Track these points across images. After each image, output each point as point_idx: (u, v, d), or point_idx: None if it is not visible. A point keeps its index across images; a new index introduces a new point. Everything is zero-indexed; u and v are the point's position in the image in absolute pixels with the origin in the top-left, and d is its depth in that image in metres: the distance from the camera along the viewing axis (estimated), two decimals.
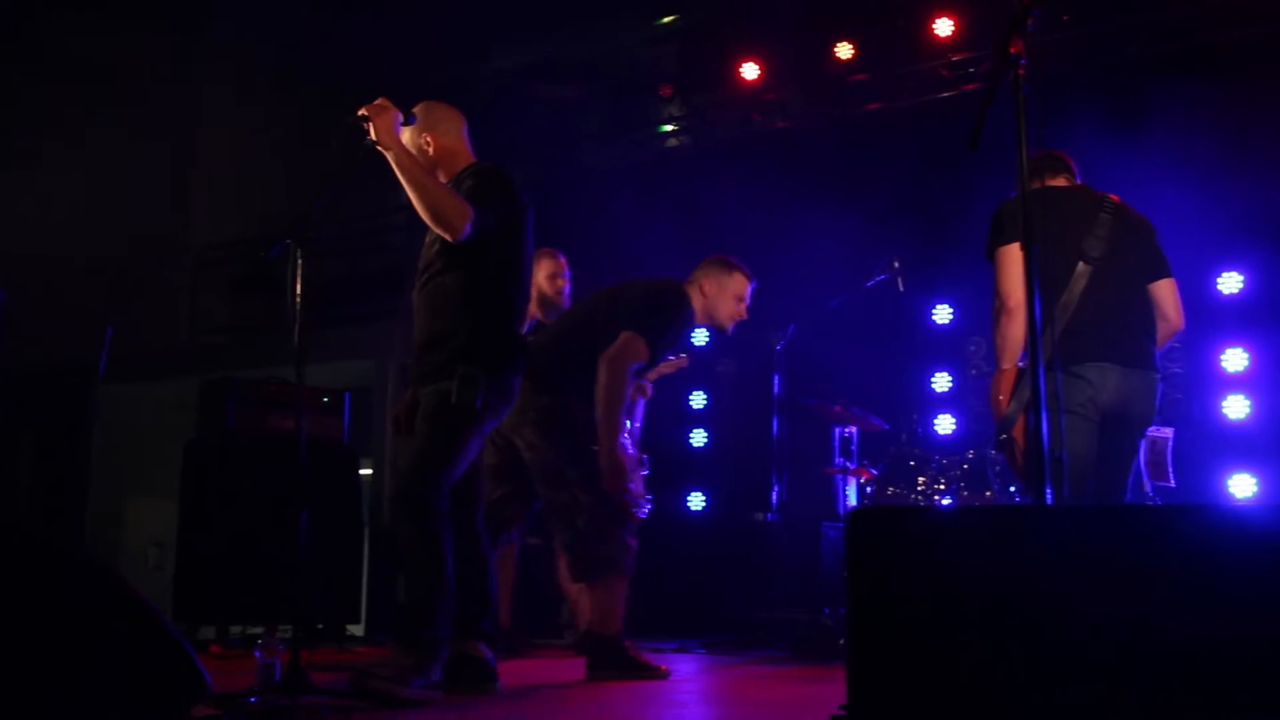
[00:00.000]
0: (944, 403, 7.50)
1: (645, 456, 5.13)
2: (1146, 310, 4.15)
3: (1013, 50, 2.89)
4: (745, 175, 8.34)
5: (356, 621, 6.39)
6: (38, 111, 10.15)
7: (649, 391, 5.65)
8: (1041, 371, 3.02)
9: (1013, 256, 3.98)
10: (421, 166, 3.78)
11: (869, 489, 6.48)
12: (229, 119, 11.34)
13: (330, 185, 3.63)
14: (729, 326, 5.13)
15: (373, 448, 9.85)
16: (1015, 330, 3.99)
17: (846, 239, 7.85)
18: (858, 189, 8.15)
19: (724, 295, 5.04)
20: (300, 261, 3.56)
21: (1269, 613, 1.77)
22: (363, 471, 9.99)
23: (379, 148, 3.70)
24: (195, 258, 11.46)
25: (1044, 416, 2.74)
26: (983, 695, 1.81)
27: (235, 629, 5.94)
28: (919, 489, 6.17)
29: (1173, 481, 5.56)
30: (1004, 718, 1.77)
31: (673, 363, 5.99)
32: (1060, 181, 4.30)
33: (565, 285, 5.89)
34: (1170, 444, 5.65)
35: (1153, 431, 4.32)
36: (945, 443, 7.14)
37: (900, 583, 1.80)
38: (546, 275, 5.84)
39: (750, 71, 8.43)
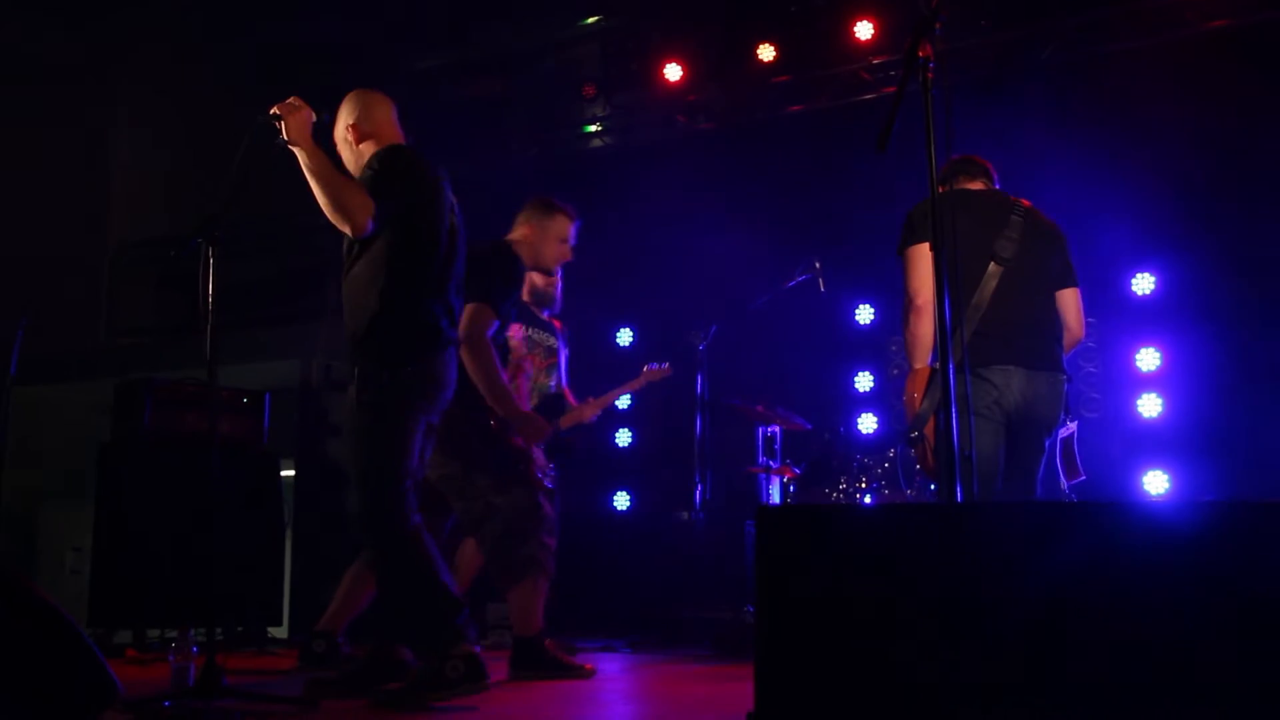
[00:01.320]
0: (866, 402, 7.58)
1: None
2: (1053, 314, 4.23)
3: (921, 54, 2.93)
4: (669, 176, 8.35)
5: (279, 624, 6.31)
6: None
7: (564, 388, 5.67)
8: (952, 372, 3.07)
9: (921, 256, 4.04)
10: (328, 164, 3.75)
11: (792, 488, 6.54)
12: (145, 115, 11.16)
13: (241, 184, 3.61)
14: (555, 269, 5.23)
15: (297, 448, 9.75)
16: (924, 328, 4.05)
17: (769, 240, 7.90)
18: (780, 190, 8.22)
19: (547, 238, 5.09)
20: (211, 261, 3.52)
21: (1177, 605, 1.81)
22: (286, 473, 9.90)
23: (290, 146, 3.69)
24: (112, 257, 11.26)
25: (954, 416, 2.78)
26: (890, 696, 1.83)
27: (153, 633, 5.86)
28: (841, 487, 6.23)
29: (1083, 474, 5.67)
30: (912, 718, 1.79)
31: (657, 371, 6.05)
32: (976, 185, 4.37)
33: (555, 280, 5.83)
34: (1075, 437, 5.76)
35: (1064, 430, 4.40)
36: (867, 442, 7.22)
37: (808, 583, 1.82)
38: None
39: (673, 72, 8.43)
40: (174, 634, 5.95)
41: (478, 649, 3.66)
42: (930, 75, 2.95)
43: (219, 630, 6.21)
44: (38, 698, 2.44)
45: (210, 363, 3.67)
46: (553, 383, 5.87)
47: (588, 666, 4.79)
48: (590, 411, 5.97)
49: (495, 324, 4.68)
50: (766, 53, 8.14)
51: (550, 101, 9.13)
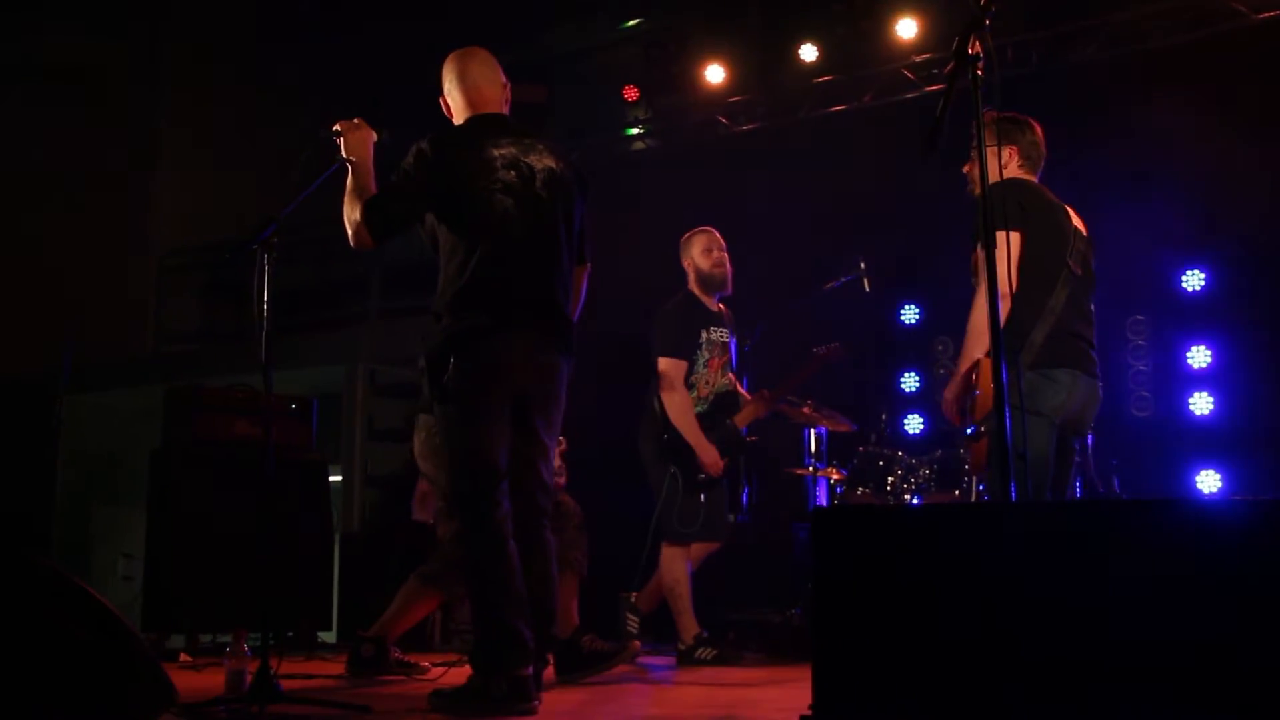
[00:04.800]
0: (912, 402, 7.54)
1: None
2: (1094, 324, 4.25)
3: (971, 50, 2.91)
4: (711, 177, 8.37)
5: (328, 628, 6.35)
6: None
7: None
8: (1006, 369, 3.04)
9: (1003, 244, 4.01)
10: (363, 189, 3.72)
11: (839, 489, 6.50)
12: (191, 120, 11.26)
13: (299, 197, 3.66)
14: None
15: (343, 454, 9.81)
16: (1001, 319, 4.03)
17: (813, 240, 7.88)
18: (823, 190, 8.18)
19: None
20: (267, 269, 3.56)
21: (1225, 604, 1.79)
22: (333, 478, 9.97)
23: (348, 163, 3.72)
24: (160, 264, 11.37)
25: (1008, 415, 2.75)
26: (950, 696, 1.82)
27: (205, 638, 5.91)
28: (888, 489, 6.19)
29: (1102, 487, 5.67)
30: (971, 718, 1.77)
31: (827, 351, 6.06)
32: (1034, 179, 4.33)
33: (723, 256, 5.93)
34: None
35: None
36: (914, 442, 7.18)
37: (865, 582, 1.81)
38: (701, 250, 5.90)
39: (715, 75, 8.44)
40: (227, 639, 6.03)
41: (529, 670, 3.58)
42: (980, 72, 2.92)
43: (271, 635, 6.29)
44: (95, 702, 2.47)
45: (265, 368, 3.70)
46: (726, 380, 5.90)
47: (634, 644, 4.80)
48: (765, 407, 5.92)
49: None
50: (809, 53, 8.13)
51: (592, 105, 9.15)
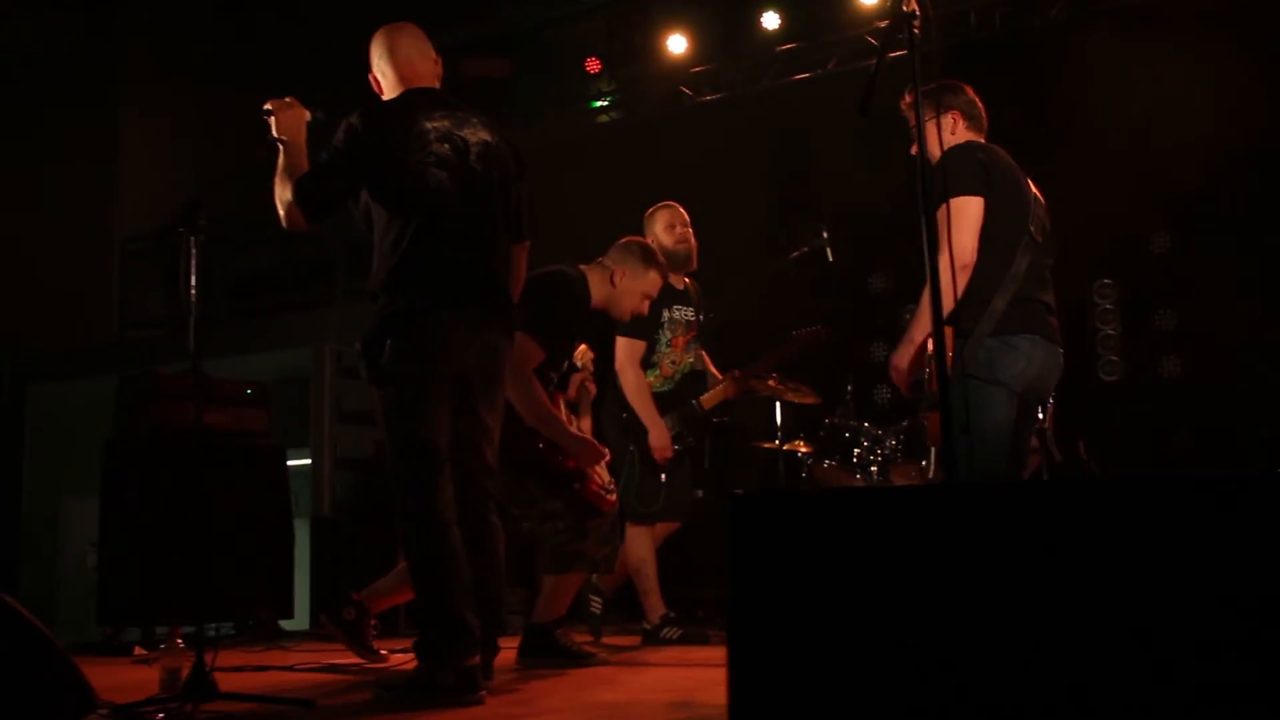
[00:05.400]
0: (881, 372, 7.44)
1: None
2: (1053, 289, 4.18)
3: (907, 8, 2.83)
4: (676, 148, 8.27)
5: (290, 616, 6.25)
6: None
7: (592, 391, 5.47)
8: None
9: (969, 210, 3.93)
10: (294, 169, 3.58)
11: (807, 462, 6.43)
12: (156, 104, 11.09)
13: (231, 176, 3.55)
14: (627, 318, 5.03)
15: (312, 437, 9.70)
16: (960, 288, 3.94)
17: (780, 210, 7.80)
18: (788, 159, 8.11)
19: (634, 291, 4.91)
20: (195, 251, 3.47)
21: (1189, 593, 1.70)
22: (302, 462, 9.85)
23: (279, 142, 3.61)
24: (121, 250, 11.21)
25: (949, 389, 2.67)
26: (877, 699, 1.73)
27: (162, 630, 5.81)
28: (854, 460, 6.11)
29: (1059, 455, 5.60)
30: (893, 718, 1.69)
31: (808, 334, 5.91)
32: (981, 139, 4.26)
33: (686, 232, 5.77)
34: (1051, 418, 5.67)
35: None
36: (881, 413, 7.10)
37: (785, 575, 1.71)
38: (664, 226, 5.75)
39: (677, 45, 8.34)
40: (188, 631, 5.93)
41: (476, 660, 3.48)
42: (917, 29, 2.84)
43: (227, 627, 6.19)
44: (9, 709, 2.38)
45: (195, 355, 3.62)
46: (692, 358, 5.79)
47: (594, 653, 4.73)
48: (735, 389, 5.80)
49: (542, 362, 4.51)
50: (771, 20, 8.03)
51: (555, 78, 9.05)
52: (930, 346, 4.05)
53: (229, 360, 9.79)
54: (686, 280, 5.92)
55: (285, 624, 6.39)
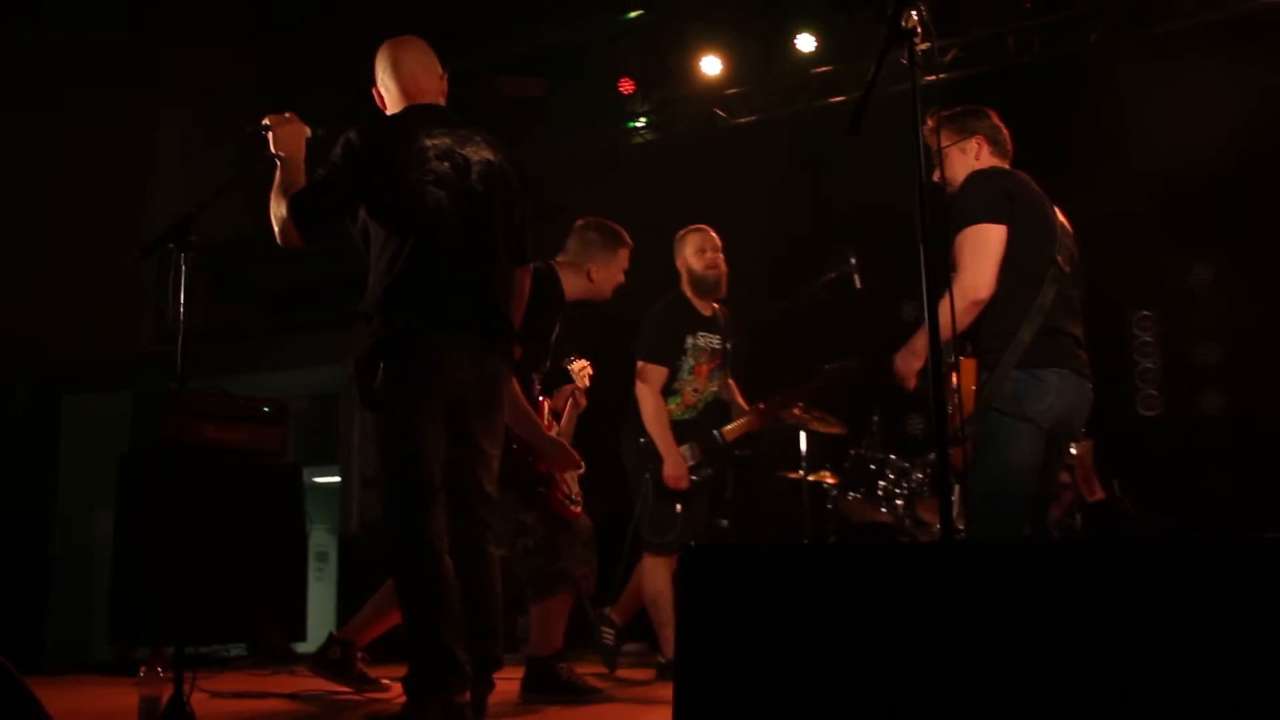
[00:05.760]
0: (909, 402, 7.28)
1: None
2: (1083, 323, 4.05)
3: (906, 24, 2.74)
4: (709, 170, 8.16)
5: (302, 639, 6.18)
6: None
7: (581, 403, 5.35)
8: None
9: (989, 239, 3.81)
10: (289, 185, 3.52)
11: (832, 494, 6.29)
12: (192, 116, 11.14)
13: (219, 193, 3.50)
14: (609, 295, 4.96)
15: (340, 455, 9.67)
16: (968, 321, 3.83)
17: (813, 235, 7.66)
18: (821, 183, 7.99)
19: (612, 278, 4.85)
20: (184, 268, 3.41)
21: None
22: (331, 479, 9.82)
23: (277, 159, 3.54)
24: (158, 264, 11.23)
25: (944, 426, 2.55)
26: None
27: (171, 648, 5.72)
28: (880, 493, 5.96)
29: (1104, 493, 5.40)
30: None
31: (838, 370, 5.76)
32: (1006, 165, 4.14)
33: (717, 257, 5.67)
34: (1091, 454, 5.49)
35: (1077, 447, 4.14)
36: (910, 444, 6.94)
37: (731, 628, 1.60)
38: (694, 250, 5.65)
39: (711, 66, 8.25)
40: (206, 650, 5.87)
41: (466, 696, 3.37)
42: (919, 46, 2.73)
43: (239, 648, 6.12)
44: None
45: (180, 375, 3.54)
46: (716, 387, 5.69)
47: (601, 688, 4.60)
48: (759, 422, 5.68)
49: (521, 363, 4.38)
50: (806, 43, 7.92)
51: (591, 99, 8.99)
52: (955, 379, 3.93)
53: (260, 376, 9.81)
54: (715, 306, 5.81)
55: (304, 646, 6.32)
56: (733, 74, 8.28)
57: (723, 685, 1.62)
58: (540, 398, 4.68)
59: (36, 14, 9.83)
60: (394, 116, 3.75)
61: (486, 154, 3.71)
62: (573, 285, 4.74)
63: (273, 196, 3.49)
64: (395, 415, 3.47)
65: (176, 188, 11.30)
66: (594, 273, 4.79)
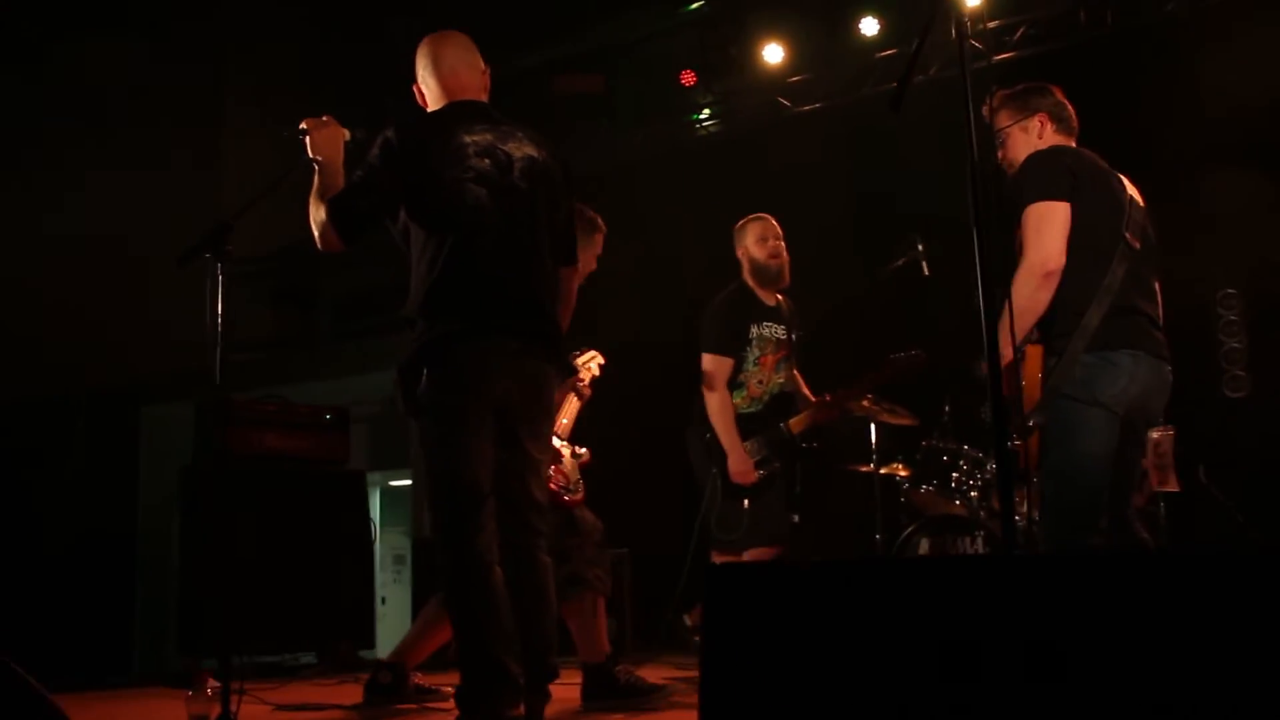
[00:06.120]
0: (980, 391, 7.07)
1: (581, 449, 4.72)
2: (1159, 304, 3.85)
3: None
4: (775, 159, 8.03)
5: (371, 646, 6.14)
6: (61, 128, 10.10)
7: (586, 394, 5.19)
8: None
9: (1056, 215, 3.64)
10: (326, 190, 3.44)
11: (904, 486, 6.12)
12: (259, 121, 11.18)
13: (253, 201, 3.43)
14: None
15: (412, 460, 9.67)
16: (1045, 299, 3.65)
17: (879, 223, 7.48)
18: (888, 168, 7.80)
19: (588, 261, 4.62)
20: (220, 276, 3.35)
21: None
22: (404, 483, 9.81)
23: (315, 163, 3.46)
24: (230, 272, 11.28)
25: (1000, 419, 2.40)
26: None
27: (237, 659, 5.70)
28: (953, 485, 5.78)
29: (1178, 486, 5.13)
30: None
31: (905, 359, 5.65)
32: (1072, 144, 3.97)
33: (779, 246, 5.56)
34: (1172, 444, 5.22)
35: (1157, 431, 3.90)
36: (982, 434, 6.73)
37: (758, 647, 1.48)
38: (756, 239, 5.55)
39: (773, 54, 8.09)
40: (271, 659, 5.86)
41: (520, 710, 3.26)
42: (965, 24, 2.60)
43: (309, 656, 6.09)
44: None
45: (219, 385, 3.46)
46: (783, 378, 5.58)
47: (664, 685, 4.48)
48: (825, 414, 5.56)
49: None
50: (870, 26, 7.74)
51: (653, 92, 8.89)
52: (1022, 365, 3.77)
53: (330, 382, 9.82)
54: (779, 296, 5.67)
55: (374, 654, 6.28)
56: (795, 61, 8.13)
57: (748, 706, 1.50)
58: None
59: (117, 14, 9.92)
60: (433, 114, 3.65)
61: (530, 150, 3.59)
62: None
63: (311, 201, 3.41)
64: (440, 423, 3.37)
65: (243, 194, 11.34)
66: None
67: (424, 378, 3.37)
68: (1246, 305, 6.84)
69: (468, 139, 3.48)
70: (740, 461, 5.25)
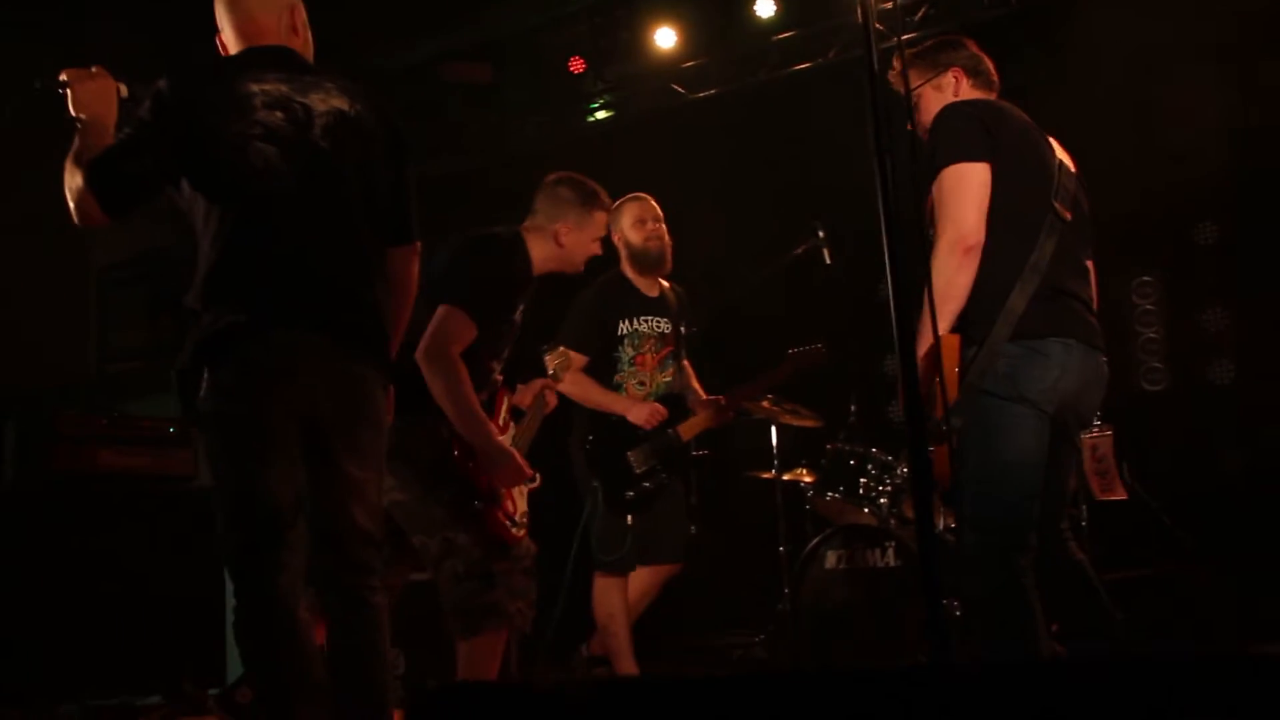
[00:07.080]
0: (891, 389, 6.68)
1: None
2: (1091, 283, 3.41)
3: None
4: (670, 148, 7.62)
5: (220, 687, 5.53)
6: None
7: (551, 402, 4.64)
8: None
9: (973, 178, 3.16)
10: (86, 152, 2.80)
11: (809, 493, 5.69)
12: None
13: None
14: (582, 269, 4.25)
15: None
16: (965, 280, 3.15)
17: (778, 212, 7.09)
18: (788, 155, 7.43)
19: (584, 242, 4.11)
20: None
21: None
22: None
23: (78, 121, 2.86)
24: (99, 279, 10.63)
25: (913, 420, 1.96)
26: None
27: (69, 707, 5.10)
28: (860, 492, 5.34)
29: (1124, 493, 4.71)
30: None
31: (806, 354, 5.21)
32: (993, 97, 3.52)
33: (659, 228, 5.07)
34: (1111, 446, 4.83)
35: (1094, 433, 3.47)
36: (892, 436, 6.32)
37: None
38: (632, 222, 5.05)
39: (666, 39, 7.66)
40: (109, 702, 5.25)
41: None
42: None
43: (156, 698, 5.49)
44: None
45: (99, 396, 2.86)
46: (669, 377, 5.08)
47: None
48: (718, 417, 5.09)
49: (474, 341, 3.72)
50: (765, 8, 7.32)
51: (543, 82, 8.45)
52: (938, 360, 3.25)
53: None
54: (663, 284, 5.19)
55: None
56: (689, 46, 7.70)
57: None
58: (500, 391, 4.01)
59: None
60: (217, 60, 3.04)
61: (338, 102, 2.96)
62: (541, 252, 4.01)
63: (67, 165, 2.76)
64: (225, 436, 2.75)
65: None
66: (562, 235, 4.03)
67: (204, 381, 2.76)
68: (1162, 294, 6.54)
69: (255, 88, 2.85)
70: (637, 409, 4.80)
